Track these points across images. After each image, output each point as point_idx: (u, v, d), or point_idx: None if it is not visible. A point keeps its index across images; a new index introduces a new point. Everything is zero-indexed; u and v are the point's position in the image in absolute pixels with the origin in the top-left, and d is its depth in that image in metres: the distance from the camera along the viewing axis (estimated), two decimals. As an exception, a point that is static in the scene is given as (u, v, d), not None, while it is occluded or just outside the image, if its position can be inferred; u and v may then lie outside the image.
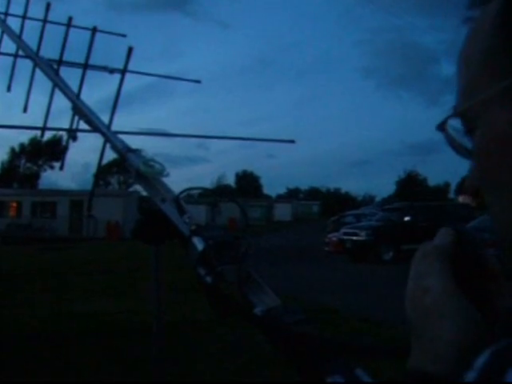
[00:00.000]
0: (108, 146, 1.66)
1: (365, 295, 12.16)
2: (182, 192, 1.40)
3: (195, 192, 1.52)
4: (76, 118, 1.79)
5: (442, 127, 0.63)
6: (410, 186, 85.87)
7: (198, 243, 1.26)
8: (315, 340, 1.06)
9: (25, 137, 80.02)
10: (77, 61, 1.90)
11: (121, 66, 1.87)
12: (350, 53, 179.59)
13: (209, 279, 1.22)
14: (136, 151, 1.53)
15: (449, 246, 0.65)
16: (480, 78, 0.58)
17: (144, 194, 1.53)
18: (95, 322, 9.08)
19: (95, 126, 1.69)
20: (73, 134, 1.81)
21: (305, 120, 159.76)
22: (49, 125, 1.97)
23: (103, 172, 78.42)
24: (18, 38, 2.11)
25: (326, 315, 9.06)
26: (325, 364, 1.01)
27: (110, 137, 1.63)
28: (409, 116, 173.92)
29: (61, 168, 2.08)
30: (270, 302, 1.21)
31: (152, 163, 1.46)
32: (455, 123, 0.62)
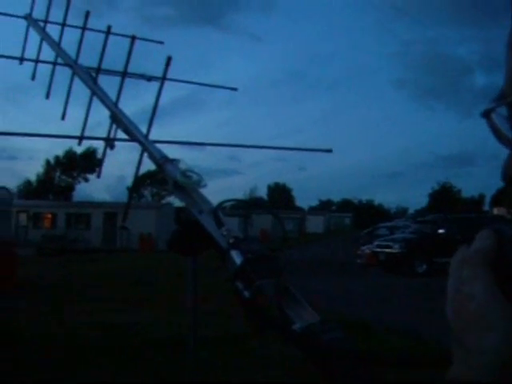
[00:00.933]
0: (145, 155, 1.65)
1: (399, 309, 12.03)
2: (220, 204, 1.38)
3: (232, 204, 1.50)
4: (114, 127, 1.79)
5: (487, 114, 0.60)
6: (444, 197, 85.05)
7: (236, 257, 1.24)
8: (355, 359, 1.03)
9: (59, 149, 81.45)
10: (115, 68, 1.91)
11: (157, 76, 1.87)
12: (382, 64, 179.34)
13: (247, 294, 1.20)
14: (174, 161, 1.51)
15: (490, 250, 0.61)
16: None
17: (178, 205, 1.51)
18: (129, 333, 9.12)
19: (133, 135, 1.68)
20: (110, 142, 1.80)
21: (337, 132, 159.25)
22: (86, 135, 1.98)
23: (137, 184, 79.24)
24: (57, 46, 2.13)
25: (358, 328, 8.97)
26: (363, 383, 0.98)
27: (147, 146, 1.61)
28: (442, 128, 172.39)
29: (98, 176, 2.08)
30: (308, 317, 1.18)
31: (190, 173, 1.44)
32: (502, 110, 0.59)
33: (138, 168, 1.71)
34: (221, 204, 1.38)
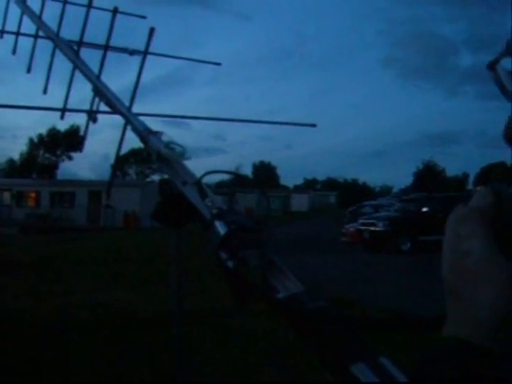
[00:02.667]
0: (128, 128, 1.64)
1: (382, 286, 12.13)
2: (204, 175, 1.38)
3: (218, 173, 1.49)
4: (96, 100, 1.78)
5: (492, 66, 0.60)
6: (428, 176, 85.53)
7: (220, 227, 1.24)
8: (339, 326, 1.04)
9: (43, 128, 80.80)
10: (97, 42, 1.89)
11: (140, 50, 1.85)
12: (369, 43, 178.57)
13: (230, 264, 1.20)
14: (157, 133, 1.51)
15: (489, 208, 0.61)
16: None
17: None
18: (114, 311, 9.13)
19: (116, 108, 1.67)
20: (93, 115, 1.79)
21: (323, 110, 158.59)
22: (68, 113, 1.96)
23: (121, 162, 79.06)
24: (38, 19, 2.10)
25: (343, 306, 9.04)
26: (349, 351, 0.98)
27: (130, 118, 1.61)
28: (428, 106, 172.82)
29: (80, 150, 2.07)
30: (293, 287, 1.18)
31: (173, 146, 1.44)
32: (506, 64, 0.59)
33: (121, 140, 1.71)
34: (204, 175, 1.38)
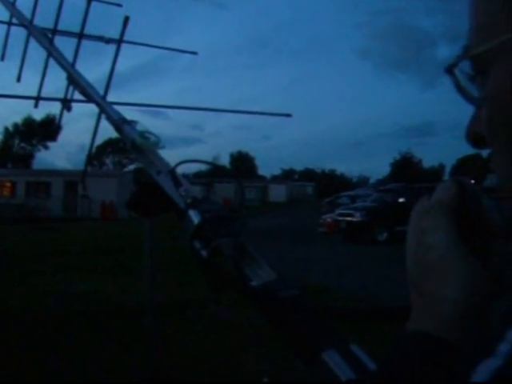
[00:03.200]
0: (103, 117, 1.63)
1: (359, 276, 12.21)
2: (178, 164, 1.38)
3: (192, 163, 1.49)
4: (71, 88, 1.76)
5: (450, 70, 0.60)
6: (405, 167, 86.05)
7: (194, 216, 1.24)
8: (311, 314, 1.05)
9: (18, 117, 79.79)
10: (72, 30, 1.87)
11: (116, 38, 1.84)
12: (348, 34, 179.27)
13: (204, 253, 1.20)
14: (132, 123, 1.51)
15: (453, 200, 0.61)
16: (500, 16, 0.53)
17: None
18: (90, 301, 9.08)
19: (90, 97, 1.66)
20: (67, 104, 1.78)
21: (300, 101, 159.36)
22: (43, 102, 1.94)
23: (98, 152, 78.56)
24: (11, 6, 2.08)
25: (319, 295, 9.09)
26: (320, 339, 0.99)
27: (105, 107, 1.60)
28: (405, 98, 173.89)
29: (55, 139, 2.06)
30: (265, 276, 1.19)
31: (148, 135, 1.44)
32: (465, 67, 0.59)
33: (95, 129, 1.70)
34: (179, 164, 1.38)
